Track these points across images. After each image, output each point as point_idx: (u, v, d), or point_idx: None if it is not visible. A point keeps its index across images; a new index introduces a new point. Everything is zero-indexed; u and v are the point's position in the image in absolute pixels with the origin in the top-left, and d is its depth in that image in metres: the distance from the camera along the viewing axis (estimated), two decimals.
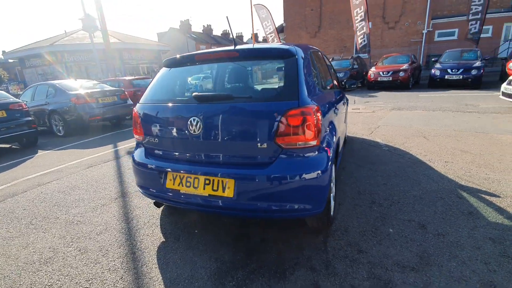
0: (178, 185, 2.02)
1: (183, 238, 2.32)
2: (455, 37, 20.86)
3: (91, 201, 3.16)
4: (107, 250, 2.22)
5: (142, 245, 2.26)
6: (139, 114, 2.23)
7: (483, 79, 11.34)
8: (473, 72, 11.20)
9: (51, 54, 19.83)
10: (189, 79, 2.64)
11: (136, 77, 10.11)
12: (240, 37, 55.66)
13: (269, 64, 2.20)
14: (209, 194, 1.91)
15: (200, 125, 1.89)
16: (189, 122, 1.92)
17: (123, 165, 4.44)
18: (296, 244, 2.15)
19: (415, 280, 1.73)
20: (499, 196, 2.74)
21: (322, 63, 2.76)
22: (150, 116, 2.17)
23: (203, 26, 46.91)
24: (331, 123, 2.30)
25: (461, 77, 11.32)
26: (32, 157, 5.45)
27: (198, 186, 1.94)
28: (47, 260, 2.15)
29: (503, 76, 11.70)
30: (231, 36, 17.68)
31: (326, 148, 1.93)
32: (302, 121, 1.74)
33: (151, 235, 2.39)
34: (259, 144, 1.79)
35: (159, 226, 2.52)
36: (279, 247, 2.13)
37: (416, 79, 13.67)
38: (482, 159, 3.73)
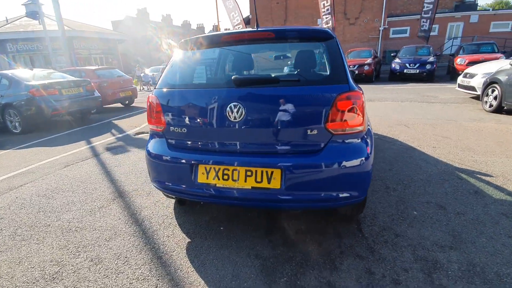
0: (213, 179, 1.83)
1: (210, 237, 2.13)
2: (407, 35, 22.61)
3: (84, 203, 2.77)
4: (126, 258, 1.95)
5: (166, 248, 2.03)
6: (159, 101, 1.97)
7: (435, 73, 12.48)
8: (427, 66, 12.25)
9: None
10: (217, 61, 2.40)
11: (100, 66, 9.19)
12: (201, 28, 53.96)
13: (305, 46, 2.08)
14: (252, 187, 1.76)
15: (242, 112, 1.71)
16: (228, 109, 1.74)
17: (107, 162, 3.99)
18: (333, 233, 2.10)
19: (458, 258, 1.80)
20: (492, 176, 3.00)
21: None
22: (175, 103, 1.93)
23: (162, 15, 44.42)
24: None
25: (417, 71, 12.32)
26: None
27: (238, 179, 1.78)
28: (54, 276, 1.81)
29: (450, 71, 13.02)
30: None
31: (368, 134, 1.89)
32: (352, 106, 1.68)
33: (172, 236, 2.16)
34: (309, 130, 1.69)
35: (178, 226, 2.29)
36: (316, 237, 2.07)
37: (377, 73, 14.57)
38: (462, 144, 4.06)
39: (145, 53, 35.91)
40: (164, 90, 2.00)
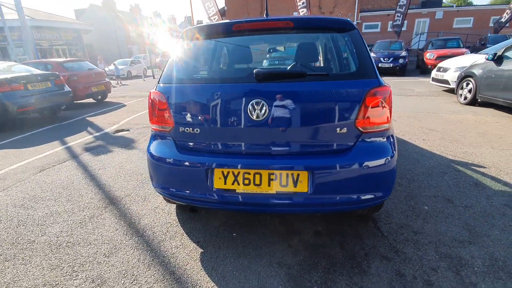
0: (232, 184, 1.66)
1: (224, 245, 1.97)
2: (378, 30, 23.39)
3: (71, 214, 2.47)
4: (133, 275, 1.73)
5: (178, 260, 1.84)
6: (165, 98, 1.74)
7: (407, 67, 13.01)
8: (400, 61, 12.72)
9: None
10: (230, 53, 2.18)
11: (68, 58, 8.42)
12: (172, 19, 51.96)
13: (325, 37, 1.95)
14: (276, 192, 1.62)
15: (265, 109, 1.56)
16: (250, 106, 1.57)
17: (89, 165, 3.63)
18: (352, 234, 2.04)
19: (479, 253, 1.80)
20: (485, 167, 3.11)
21: None
22: (185, 100, 1.72)
23: (130, 5, 41.98)
24: None
25: (391, 65, 12.74)
26: None
27: (260, 183, 1.63)
28: None
29: (420, 65, 13.64)
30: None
31: (391, 131, 1.82)
32: (381, 102, 1.59)
33: (182, 247, 1.97)
34: (338, 128, 1.57)
35: (185, 235, 2.09)
36: (336, 239, 1.99)
37: None
38: (449, 136, 4.21)
39: (113, 44, 33.91)
40: (170, 85, 1.78)
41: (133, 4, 41.77)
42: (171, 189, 1.82)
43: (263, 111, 1.56)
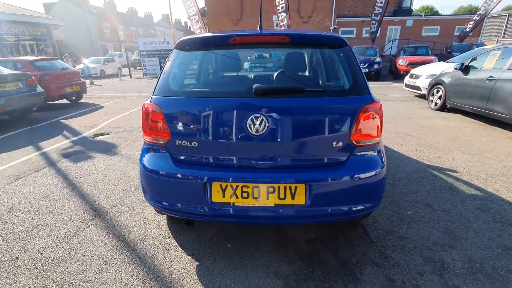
0: (231, 197, 1.68)
1: (220, 257, 1.97)
2: (354, 35, 24.25)
3: (55, 227, 2.35)
4: None
5: (174, 275, 1.81)
6: (162, 110, 1.72)
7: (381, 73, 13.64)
8: (375, 66, 13.31)
9: None
10: (226, 65, 2.18)
11: (39, 57, 7.93)
12: (149, 16, 50.56)
13: (319, 53, 2.01)
14: (275, 204, 1.66)
15: (265, 124, 1.59)
16: (249, 121, 1.59)
17: (69, 173, 3.46)
18: (344, 240, 2.12)
19: (459, 256, 1.95)
20: (457, 171, 3.35)
21: None
22: (183, 113, 1.70)
23: (104, 0, 40.31)
24: None
25: (366, 70, 13.26)
26: None
27: (259, 196, 1.66)
28: None
29: (393, 70, 14.34)
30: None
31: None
32: (374, 117, 1.68)
33: (176, 261, 1.94)
34: (334, 142, 1.64)
35: (179, 247, 2.07)
36: (329, 246, 2.06)
37: None
38: (423, 141, 4.49)
39: (86, 41, 32.38)
40: (166, 97, 1.75)
41: (107, 0, 40.08)
42: (166, 202, 1.80)
43: (262, 126, 1.59)
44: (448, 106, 6.54)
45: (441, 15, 29.15)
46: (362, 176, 1.67)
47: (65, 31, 28.88)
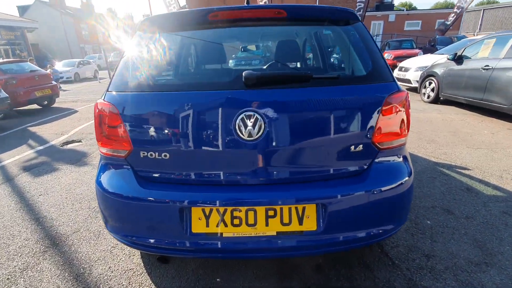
0: (217, 225, 1.24)
1: None
2: None
3: None
4: None
5: None
6: (118, 110, 1.27)
7: None
8: None
9: None
10: (204, 50, 1.72)
11: (6, 60, 7.20)
12: (129, 17, 49.16)
13: (325, 30, 1.60)
14: (277, 232, 1.24)
15: (260, 125, 1.16)
16: (238, 121, 1.16)
17: (27, 190, 2.92)
18: (359, 264, 1.73)
19: (501, 278, 1.60)
20: (469, 169, 3.05)
21: None
22: (147, 112, 1.25)
23: (81, 1, 38.63)
24: None
25: None
26: None
27: (255, 223, 1.24)
28: None
29: None
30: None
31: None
32: (402, 110, 1.29)
33: None
34: (353, 146, 1.24)
35: (161, 287, 1.61)
36: (342, 273, 1.66)
37: None
38: (424, 136, 4.20)
39: (63, 43, 30.98)
40: (125, 93, 1.30)
41: (85, 0, 38.46)
42: (133, 236, 1.34)
43: (257, 128, 1.17)
44: (441, 98, 6.32)
45: (422, 9, 29.55)
46: (391, 188, 1.28)
47: (40, 34, 27.49)
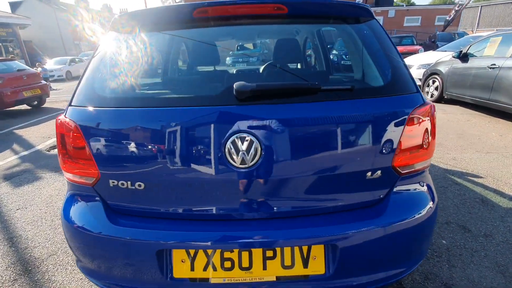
0: (205, 269, 1.02)
1: None
2: None
3: None
4: None
5: None
6: (83, 129, 1.03)
7: None
8: None
9: None
10: (187, 54, 1.48)
11: None
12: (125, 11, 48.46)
13: (332, 29, 1.37)
14: (277, 278, 1.02)
15: (256, 149, 0.94)
16: (228, 144, 0.94)
17: (4, 204, 2.69)
18: None
19: None
20: (481, 177, 2.85)
21: None
22: (117, 132, 1.02)
23: None
24: None
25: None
26: None
27: (250, 266, 1.02)
28: None
29: None
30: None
31: None
32: (425, 127, 1.07)
33: None
34: (369, 172, 1.02)
35: None
36: None
37: None
38: None
39: (57, 40, 30.45)
40: (91, 109, 1.06)
41: None
42: (106, 279, 1.12)
43: (252, 152, 0.94)
44: (445, 97, 6.12)
45: (422, 5, 29.30)
46: (413, 221, 1.06)
47: (34, 30, 26.95)
